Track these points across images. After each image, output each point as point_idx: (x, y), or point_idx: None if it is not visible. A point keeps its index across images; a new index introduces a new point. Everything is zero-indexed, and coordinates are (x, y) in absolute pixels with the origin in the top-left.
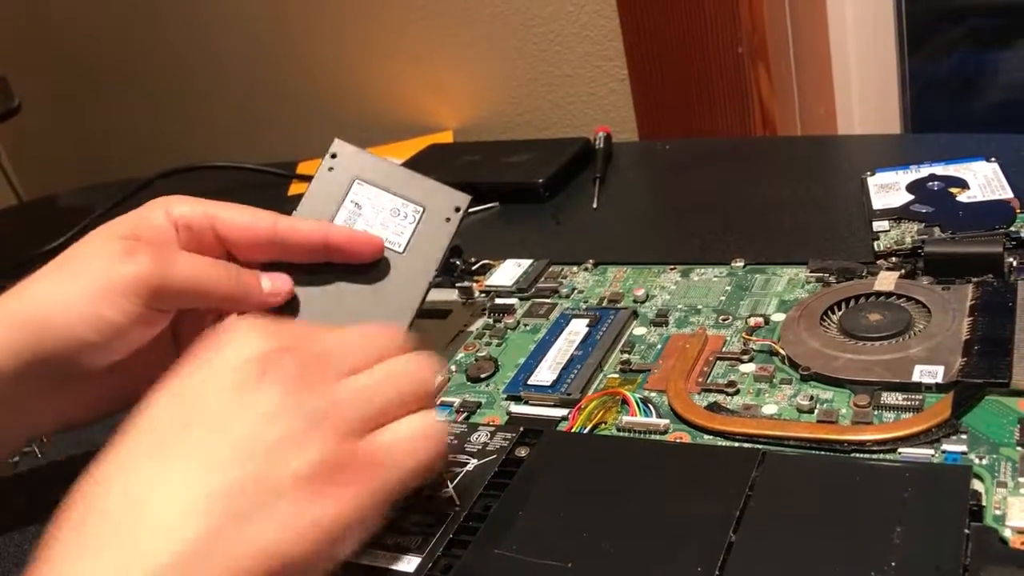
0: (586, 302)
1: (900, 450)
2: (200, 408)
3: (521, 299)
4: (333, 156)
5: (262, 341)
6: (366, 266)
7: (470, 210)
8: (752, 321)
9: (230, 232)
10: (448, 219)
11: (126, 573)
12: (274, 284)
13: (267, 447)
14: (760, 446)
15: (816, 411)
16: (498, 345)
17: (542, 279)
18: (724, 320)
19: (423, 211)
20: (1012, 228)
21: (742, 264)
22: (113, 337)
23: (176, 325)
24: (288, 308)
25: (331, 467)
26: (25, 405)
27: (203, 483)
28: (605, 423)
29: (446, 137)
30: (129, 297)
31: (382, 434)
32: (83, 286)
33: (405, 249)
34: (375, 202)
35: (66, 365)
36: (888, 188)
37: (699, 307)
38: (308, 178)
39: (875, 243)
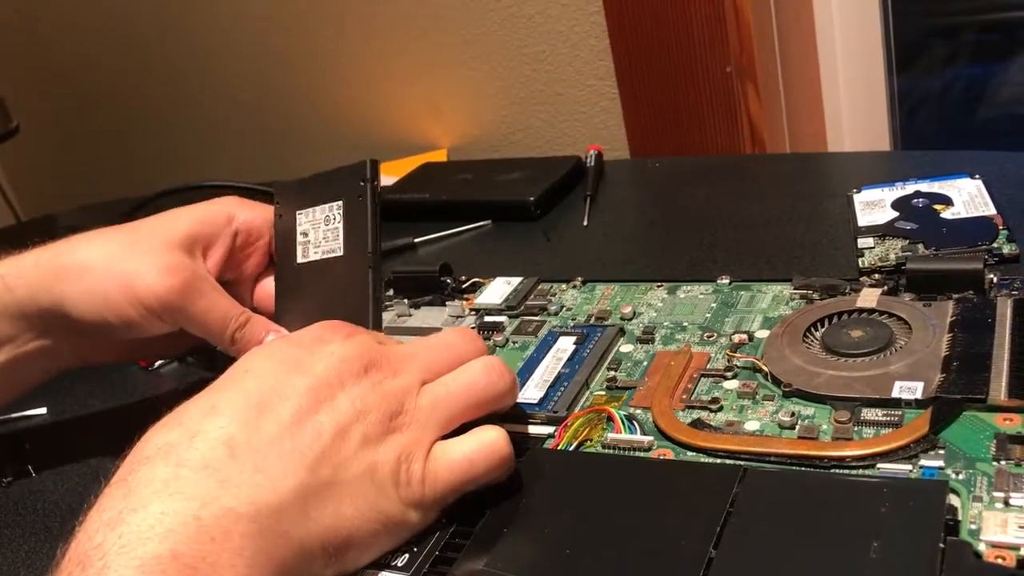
0: (574, 320)
1: (879, 465)
2: (310, 384)
3: (510, 317)
4: (277, 203)
5: (365, 346)
6: (326, 284)
7: (463, 228)
8: (736, 338)
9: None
10: (360, 196)
11: (212, 506)
12: None
13: (355, 440)
14: (742, 462)
15: (797, 427)
16: None
17: (531, 297)
18: (709, 337)
19: (342, 203)
20: (994, 244)
21: (728, 281)
22: (129, 327)
23: None
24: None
25: (402, 467)
26: (56, 347)
27: (302, 450)
28: (590, 440)
29: (440, 155)
30: (149, 307)
31: (449, 444)
32: (120, 279)
33: (344, 249)
34: (313, 221)
35: (83, 323)
36: (874, 205)
37: (685, 324)
38: None
39: (860, 260)
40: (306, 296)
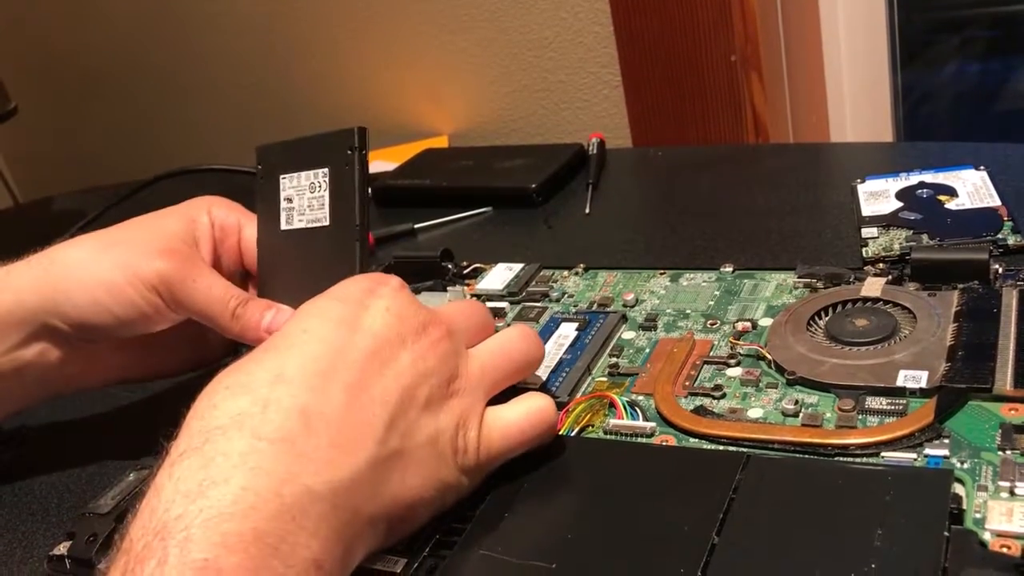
0: (576, 306)
1: (883, 454)
2: (372, 345)
3: (512, 303)
4: (259, 166)
5: (425, 310)
6: (312, 255)
7: (464, 214)
8: (740, 326)
9: (245, 244)
10: (347, 164)
11: (292, 484)
12: (275, 320)
13: (419, 404)
14: (745, 449)
15: (801, 415)
16: None
17: (533, 283)
18: (712, 324)
19: (328, 171)
20: (999, 235)
21: (731, 269)
22: (130, 315)
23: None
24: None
25: (459, 433)
26: (42, 361)
27: (371, 419)
28: (592, 426)
29: (442, 142)
30: (150, 288)
31: (500, 410)
32: (116, 261)
33: (329, 219)
34: (297, 187)
35: (85, 329)
36: (878, 195)
37: (688, 311)
38: None
39: (864, 249)
40: (290, 265)
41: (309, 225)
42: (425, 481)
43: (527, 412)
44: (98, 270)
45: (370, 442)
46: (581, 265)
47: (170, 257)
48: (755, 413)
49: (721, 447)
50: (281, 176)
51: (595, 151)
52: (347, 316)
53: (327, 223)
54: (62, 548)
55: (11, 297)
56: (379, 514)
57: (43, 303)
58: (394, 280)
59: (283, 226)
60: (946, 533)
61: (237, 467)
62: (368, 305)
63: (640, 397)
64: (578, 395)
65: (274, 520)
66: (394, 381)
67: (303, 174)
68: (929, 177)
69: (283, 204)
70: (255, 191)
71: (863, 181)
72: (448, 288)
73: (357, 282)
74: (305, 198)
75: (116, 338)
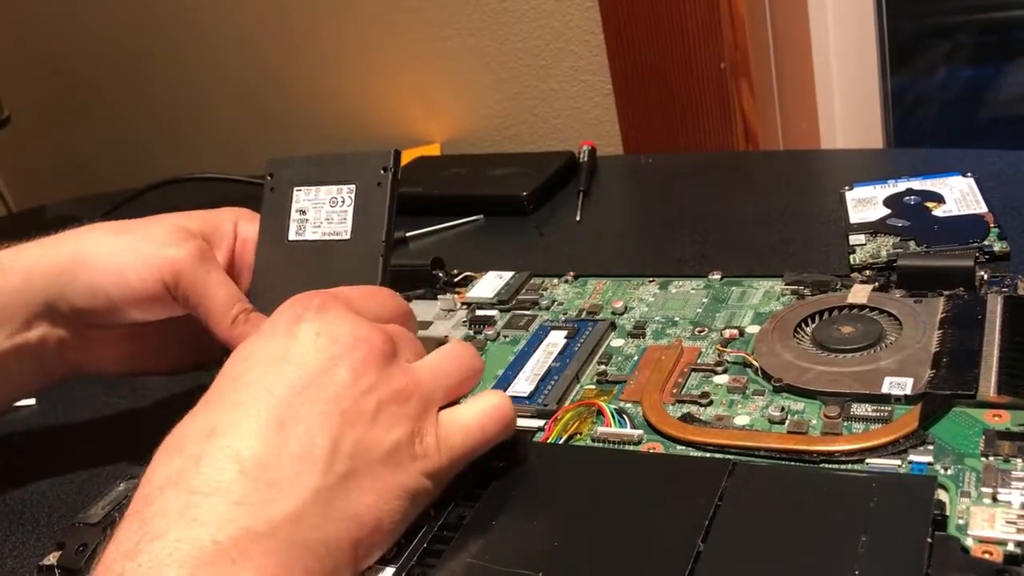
0: (565, 314)
1: (868, 461)
2: (304, 374)
3: (502, 311)
4: (271, 176)
5: (359, 324)
6: (326, 265)
7: (456, 222)
8: (727, 333)
9: None
10: (379, 184)
11: (229, 528)
12: None
13: (367, 418)
14: (731, 456)
15: (787, 422)
16: None
17: (523, 291)
18: (700, 332)
19: (356, 187)
20: (985, 242)
21: (719, 277)
22: (129, 302)
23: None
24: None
25: (415, 440)
26: (43, 345)
27: (312, 449)
28: (580, 434)
29: (434, 150)
30: (155, 274)
31: (457, 411)
32: (125, 248)
33: (351, 233)
34: (315, 200)
35: (85, 314)
36: (866, 202)
37: (676, 319)
38: None
39: (851, 256)
40: (297, 274)
41: (325, 237)
42: (383, 495)
43: (484, 409)
44: (109, 251)
45: (313, 473)
46: (571, 273)
47: (185, 246)
48: (742, 420)
49: (708, 454)
50: (295, 188)
51: (586, 159)
52: (276, 353)
53: (347, 236)
54: (52, 558)
55: (19, 277)
56: (338, 539)
57: (49, 284)
58: (317, 299)
59: (291, 237)
60: (929, 539)
61: (175, 522)
62: (296, 334)
63: (628, 405)
64: (566, 403)
65: (211, 565)
66: (334, 405)
67: (323, 188)
68: (917, 184)
69: (294, 215)
70: (262, 201)
71: (851, 188)
72: (438, 296)
73: (282, 312)
74: (323, 211)
75: (114, 324)
